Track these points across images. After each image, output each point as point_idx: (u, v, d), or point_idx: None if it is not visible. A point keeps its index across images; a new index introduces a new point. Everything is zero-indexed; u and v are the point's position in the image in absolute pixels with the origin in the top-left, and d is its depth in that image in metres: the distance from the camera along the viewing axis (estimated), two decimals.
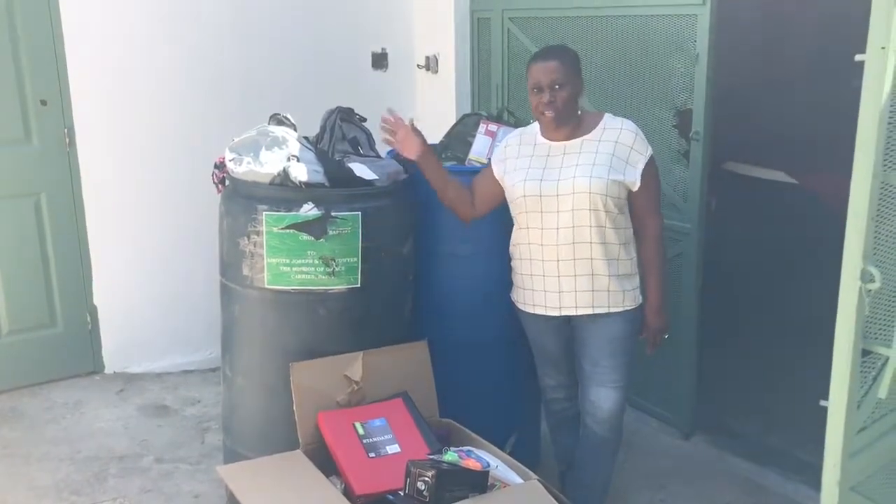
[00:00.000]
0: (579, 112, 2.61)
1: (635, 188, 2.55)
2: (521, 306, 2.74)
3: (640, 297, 2.66)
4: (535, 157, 2.63)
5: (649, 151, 2.58)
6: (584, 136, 2.59)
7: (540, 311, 2.67)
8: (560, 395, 2.88)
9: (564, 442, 2.96)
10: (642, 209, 2.61)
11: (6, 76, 3.66)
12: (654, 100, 3.37)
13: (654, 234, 2.63)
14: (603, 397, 2.67)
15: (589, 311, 2.60)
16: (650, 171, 2.58)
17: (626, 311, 2.62)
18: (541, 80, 2.54)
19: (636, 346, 2.70)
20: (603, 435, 2.71)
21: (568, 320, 2.67)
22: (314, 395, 2.59)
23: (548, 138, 2.63)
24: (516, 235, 2.70)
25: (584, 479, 2.84)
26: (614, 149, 2.55)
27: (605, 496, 2.85)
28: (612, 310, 2.60)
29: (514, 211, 2.67)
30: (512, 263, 2.75)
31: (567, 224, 2.54)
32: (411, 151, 2.71)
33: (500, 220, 2.89)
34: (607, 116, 2.63)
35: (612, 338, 2.63)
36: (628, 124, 2.60)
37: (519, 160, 2.65)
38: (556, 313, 2.64)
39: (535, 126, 2.69)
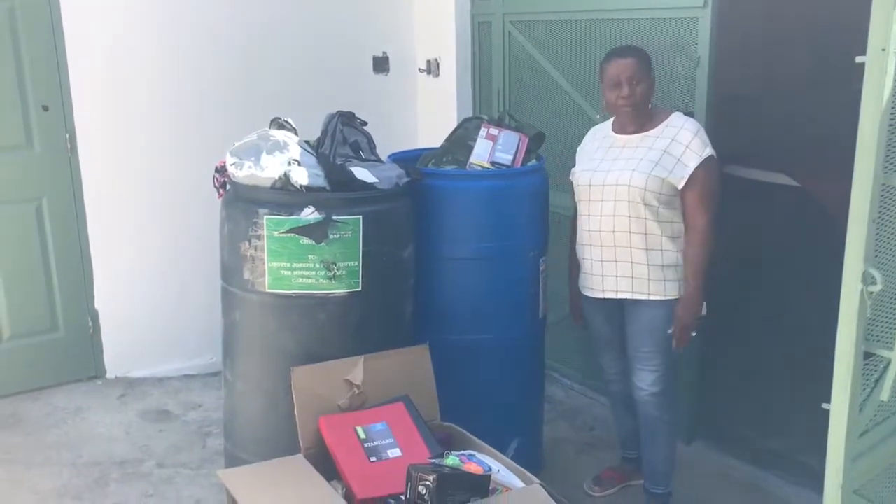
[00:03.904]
0: (650, 106, 2.77)
1: (681, 185, 2.67)
2: (580, 288, 2.94)
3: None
4: (600, 148, 2.85)
5: (707, 152, 2.68)
6: (646, 133, 2.75)
7: (588, 292, 2.90)
8: (613, 377, 3.05)
9: (622, 420, 3.14)
10: (690, 206, 2.71)
11: (8, 81, 3.67)
12: (655, 103, 3.35)
13: (698, 231, 2.71)
14: (644, 379, 2.83)
15: (628, 296, 2.78)
16: (703, 170, 2.67)
17: (668, 300, 2.75)
18: (619, 75, 2.71)
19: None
20: (652, 414, 2.86)
21: (620, 306, 2.83)
22: (315, 399, 2.58)
23: (616, 132, 2.83)
24: (578, 221, 2.90)
25: (646, 456, 2.99)
26: (668, 145, 2.69)
27: (670, 473, 2.97)
28: (653, 297, 2.75)
29: (575, 197, 2.88)
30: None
31: (609, 213, 2.73)
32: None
33: (501, 224, 2.88)
34: (675, 115, 2.77)
35: (651, 323, 2.78)
36: (690, 123, 2.73)
37: (588, 152, 2.89)
38: (600, 295, 2.85)
39: (610, 120, 2.90)
